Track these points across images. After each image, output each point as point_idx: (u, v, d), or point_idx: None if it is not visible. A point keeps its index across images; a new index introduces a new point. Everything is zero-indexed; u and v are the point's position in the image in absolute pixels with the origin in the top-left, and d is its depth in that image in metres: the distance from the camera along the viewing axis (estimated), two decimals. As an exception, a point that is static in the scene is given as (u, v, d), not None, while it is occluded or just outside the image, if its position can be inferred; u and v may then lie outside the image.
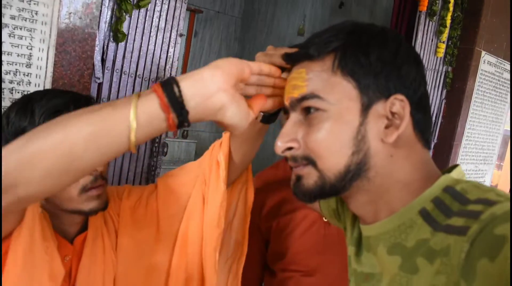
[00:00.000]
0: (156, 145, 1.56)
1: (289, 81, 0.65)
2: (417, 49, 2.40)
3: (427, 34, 2.46)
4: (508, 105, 3.13)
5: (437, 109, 2.69)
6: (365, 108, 0.60)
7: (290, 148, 0.63)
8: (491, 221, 0.47)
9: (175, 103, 0.56)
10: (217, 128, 5.76)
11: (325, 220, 1.08)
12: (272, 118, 0.82)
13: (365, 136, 0.60)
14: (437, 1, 2.45)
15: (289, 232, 1.11)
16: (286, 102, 0.66)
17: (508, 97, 3.12)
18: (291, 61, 0.67)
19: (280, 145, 0.63)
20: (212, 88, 0.59)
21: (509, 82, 3.08)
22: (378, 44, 0.61)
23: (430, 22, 2.47)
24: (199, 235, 0.97)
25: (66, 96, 0.87)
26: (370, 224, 0.65)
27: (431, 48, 2.51)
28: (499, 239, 0.45)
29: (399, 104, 0.60)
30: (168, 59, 1.54)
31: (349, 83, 0.60)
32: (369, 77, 0.60)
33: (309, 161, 0.61)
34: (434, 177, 0.62)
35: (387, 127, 0.61)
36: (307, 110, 0.62)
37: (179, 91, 0.57)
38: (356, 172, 0.60)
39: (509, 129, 3.27)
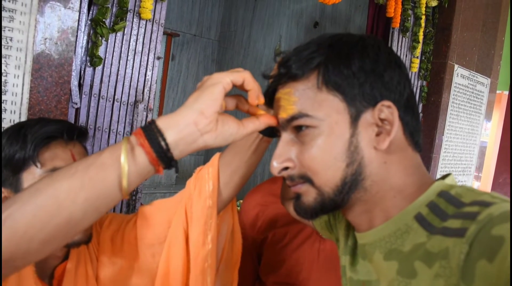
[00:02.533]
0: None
1: (276, 101, 0.66)
2: (392, 64, 2.44)
3: (401, 50, 2.52)
4: (482, 116, 3.21)
5: (414, 123, 2.73)
6: (354, 119, 0.60)
7: (286, 168, 0.64)
8: (488, 221, 0.48)
9: (164, 157, 0.59)
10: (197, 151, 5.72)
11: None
12: (274, 132, 0.79)
13: (357, 146, 0.60)
14: (409, 18, 2.51)
15: (284, 245, 1.11)
16: (277, 123, 0.67)
17: (483, 108, 3.19)
18: (274, 84, 0.67)
19: (276, 166, 0.64)
20: (197, 135, 0.61)
21: (482, 94, 3.16)
22: (359, 54, 0.61)
23: (403, 38, 2.53)
24: (182, 262, 0.91)
25: (59, 124, 0.86)
26: (365, 231, 0.66)
27: (405, 63, 2.56)
28: (497, 240, 0.45)
29: (387, 110, 0.61)
30: (146, 82, 1.53)
31: (335, 97, 0.60)
32: (354, 87, 0.60)
33: (306, 179, 0.62)
34: (428, 182, 0.63)
35: (378, 134, 0.61)
36: (298, 128, 0.63)
37: (166, 144, 0.59)
38: (352, 183, 0.61)
39: (484, 140, 3.34)
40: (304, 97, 0.61)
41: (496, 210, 0.49)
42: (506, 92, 4.77)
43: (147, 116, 1.54)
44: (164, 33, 4.62)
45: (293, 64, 0.62)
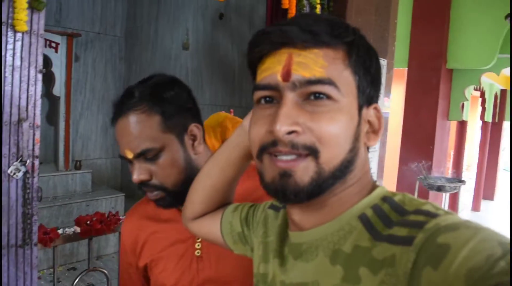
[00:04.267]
0: (28, 191, 1.45)
1: (294, 57, 0.58)
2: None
3: (299, 39, 2.58)
4: (382, 95, 3.39)
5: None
6: (359, 109, 0.60)
7: (290, 133, 0.56)
8: (436, 230, 0.49)
9: None
10: (113, 153, 5.54)
11: (198, 254, 1.04)
12: None
13: (359, 135, 0.61)
14: (305, 8, 2.58)
15: (163, 270, 1.06)
16: (284, 79, 0.58)
17: (382, 88, 3.37)
18: (287, 41, 0.58)
19: (283, 128, 0.55)
20: None
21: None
22: (374, 53, 0.63)
23: (301, 28, 2.59)
24: None
25: None
26: (307, 229, 0.64)
27: (305, 52, 2.63)
28: (442, 248, 0.46)
29: (377, 112, 0.63)
30: (29, 98, 1.44)
31: (354, 81, 0.59)
32: (367, 81, 0.61)
33: (311, 151, 0.56)
34: (369, 185, 0.64)
35: (367, 132, 0.63)
36: (314, 95, 0.57)
37: None
38: (345, 170, 0.59)
39: (387, 111, 3.54)
40: (333, 66, 0.58)
41: (443, 220, 0.50)
42: (405, 68, 5.10)
43: (34, 135, 1.45)
44: (63, 34, 4.38)
45: (323, 30, 0.58)
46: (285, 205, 0.76)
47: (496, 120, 9.22)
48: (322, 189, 0.58)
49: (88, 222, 1.88)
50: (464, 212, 8.51)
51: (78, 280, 1.90)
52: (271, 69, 0.59)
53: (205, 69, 4.35)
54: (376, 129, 0.63)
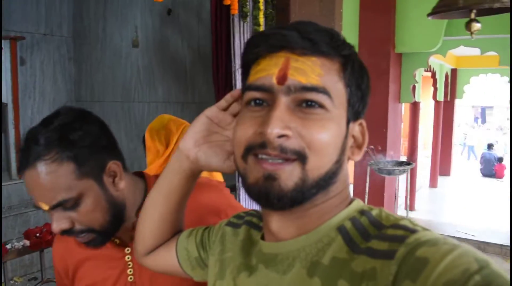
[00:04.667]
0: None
1: (292, 62, 0.58)
2: (237, 50, 2.52)
3: (244, 35, 2.61)
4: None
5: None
6: (348, 122, 0.61)
7: (281, 136, 0.56)
8: (416, 245, 0.50)
9: None
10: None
11: (131, 280, 1.03)
12: None
13: (345, 148, 0.61)
14: (247, 3, 2.60)
15: None
16: (279, 82, 0.58)
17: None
18: (287, 44, 0.59)
19: (275, 131, 0.55)
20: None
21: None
22: (366, 71, 0.64)
23: (244, 23, 2.62)
24: None
25: None
26: (283, 240, 0.63)
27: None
28: (421, 261, 0.48)
29: (362, 128, 0.64)
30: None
31: (345, 94, 0.60)
32: (357, 97, 0.62)
33: (300, 156, 0.56)
34: (348, 198, 0.65)
35: (351, 146, 0.63)
36: (307, 103, 0.57)
37: None
38: (328, 181, 0.59)
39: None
40: (328, 76, 0.58)
41: (423, 236, 0.51)
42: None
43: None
44: (5, 37, 4.23)
45: (322, 40, 0.59)
46: (247, 221, 0.77)
47: (448, 99, 9.55)
48: (305, 197, 0.57)
49: (38, 234, 1.86)
50: (422, 189, 8.83)
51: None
52: (267, 71, 0.59)
53: (156, 66, 4.31)
54: (360, 144, 0.64)
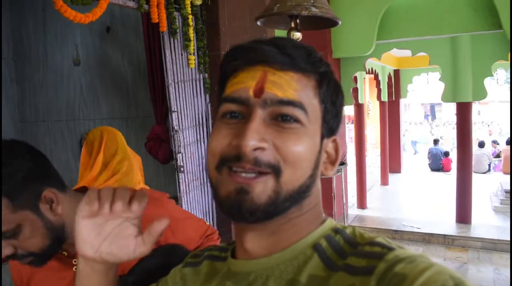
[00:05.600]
0: None
1: (269, 75, 0.59)
2: (168, 65, 2.64)
3: (175, 50, 2.72)
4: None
5: (205, 113, 3.01)
6: (322, 138, 0.62)
7: (256, 149, 0.56)
8: (395, 261, 0.51)
9: None
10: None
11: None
12: None
13: (319, 163, 0.62)
14: (176, 20, 2.72)
15: None
16: (256, 94, 0.58)
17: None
18: (266, 60, 0.60)
19: (252, 143, 0.55)
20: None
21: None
22: (341, 89, 0.66)
23: (175, 40, 2.74)
24: None
25: None
26: (257, 258, 0.63)
27: (182, 62, 2.78)
28: (399, 276, 0.49)
29: (335, 145, 0.66)
30: None
31: (320, 110, 0.61)
32: (332, 114, 0.63)
33: (274, 169, 0.56)
34: (321, 215, 0.66)
35: (324, 162, 0.65)
36: (283, 117, 0.58)
37: None
38: (301, 195, 0.60)
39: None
40: (304, 91, 0.59)
41: (402, 253, 0.52)
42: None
43: None
44: None
45: (300, 56, 0.60)
46: (207, 256, 0.75)
47: (393, 99, 9.96)
48: (278, 210, 0.58)
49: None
50: (375, 187, 9.15)
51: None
52: (244, 83, 0.59)
53: (99, 83, 4.36)
54: (333, 160, 0.66)
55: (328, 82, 0.62)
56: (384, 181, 9.40)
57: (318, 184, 0.64)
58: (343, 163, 4.22)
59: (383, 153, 9.38)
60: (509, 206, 6.35)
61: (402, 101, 10.90)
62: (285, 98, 0.58)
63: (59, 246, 1.03)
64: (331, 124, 0.64)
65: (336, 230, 0.62)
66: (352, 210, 7.18)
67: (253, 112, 0.58)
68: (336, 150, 0.66)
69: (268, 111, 0.58)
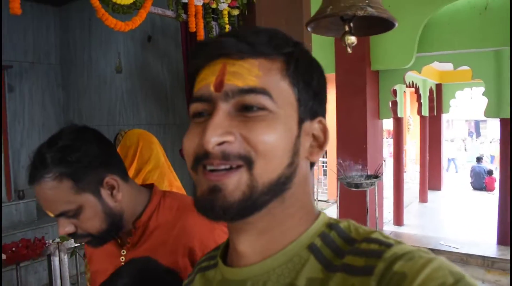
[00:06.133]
0: None
1: (228, 66, 0.56)
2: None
3: (211, 59, 2.76)
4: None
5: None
6: (300, 122, 0.58)
7: (221, 143, 0.54)
8: (394, 259, 0.50)
9: None
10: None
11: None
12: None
13: (298, 149, 0.58)
14: (213, 29, 2.77)
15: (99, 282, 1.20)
16: (216, 89, 0.56)
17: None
18: (222, 52, 0.57)
19: (213, 139, 0.53)
20: None
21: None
22: (318, 67, 0.62)
23: (211, 48, 2.78)
24: None
25: None
26: (251, 264, 0.60)
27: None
28: (398, 275, 0.48)
29: (322, 126, 0.62)
30: None
31: (293, 93, 0.58)
32: (308, 94, 0.59)
33: (246, 160, 0.53)
34: (313, 211, 0.62)
35: (311, 146, 0.61)
36: (247, 107, 0.55)
37: None
38: (281, 187, 0.56)
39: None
40: (268, 76, 0.56)
41: (399, 250, 0.51)
42: (333, 73, 5.42)
43: None
44: (-9, 67, 4.42)
45: (260, 41, 0.57)
46: (197, 270, 0.73)
47: (435, 113, 9.71)
48: (256, 205, 0.55)
49: (14, 248, 1.99)
50: (413, 204, 8.92)
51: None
52: (206, 80, 0.57)
53: (139, 90, 4.49)
54: (321, 142, 0.62)
55: (296, 62, 0.59)
56: (423, 198, 9.15)
57: (303, 173, 0.60)
58: (377, 176, 4.13)
59: (423, 169, 9.14)
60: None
61: (445, 117, 10.59)
62: (245, 86, 0.55)
63: (116, 232, 1.10)
64: (310, 106, 0.60)
65: (330, 226, 0.59)
66: (388, 226, 7.03)
67: (216, 107, 0.55)
68: (324, 131, 0.62)
69: (232, 103, 0.55)
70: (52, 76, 5.52)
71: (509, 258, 5.40)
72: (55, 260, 2.11)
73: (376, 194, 4.08)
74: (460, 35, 4.90)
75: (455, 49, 5.09)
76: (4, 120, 4.51)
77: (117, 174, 1.08)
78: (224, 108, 0.55)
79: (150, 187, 1.20)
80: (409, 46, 4.99)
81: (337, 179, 4.21)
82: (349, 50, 1.99)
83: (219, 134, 0.53)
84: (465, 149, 18.30)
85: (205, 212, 0.55)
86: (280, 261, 0.58)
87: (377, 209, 4.18)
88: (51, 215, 1.02)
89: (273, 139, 0.54)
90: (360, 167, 4.18)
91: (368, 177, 4.10)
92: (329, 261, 0.55)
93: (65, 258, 2.12)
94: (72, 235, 1.04)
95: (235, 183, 0.53)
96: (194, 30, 2.61)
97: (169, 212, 1.12)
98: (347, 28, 1.94)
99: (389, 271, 0.49)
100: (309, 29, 2.07)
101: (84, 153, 1.01)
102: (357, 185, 3.93)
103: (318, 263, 0.56)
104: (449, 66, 6.90)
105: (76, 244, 2.33)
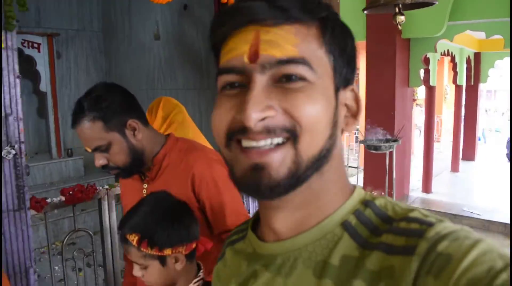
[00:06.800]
0: (18, 169, 1.90)
1: (262, 35, 0.51)
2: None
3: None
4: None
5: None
6: (336, 91, 0.55)
7: (263, 119, 0.50)
8: (437, 239, 0.46)
9: None
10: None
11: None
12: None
13: (337, 120, 0.55)
14: None
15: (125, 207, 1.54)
16: (251, 60, 0.51)
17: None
18: (253, 19, 0.52)
19: (256, 115, 0.49)
20: None
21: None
22: (350, 33, 0.58)
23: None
24: None
25: None
26: (284, 239, 0.58)
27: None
28: (443, 257, 0.45)
29: (355, 95, 0.59)
30: (11, 98, 1.88)
31: (328, 61, 0.54)
32: (343, 62, 0.56)
33: (292, 134, 0.50)
34: (347, 185, 0.59)
35: (346, 116, 0.58)
36: (286, 77, 0.51)
37: None
38: (322, 160, 0.53)
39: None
40: (305, 43, 0.52)
41: (442, 229, 0.48)
42: (364, 41, 5.49)
43: (18, 125, 1.89)
44: (43, 34, 4.79)
45: (293, 5, 0.52)
46: (227, 244, 0.72)
47: (472, 83, 9.54)
48: (299, 181, 0.52)
49: (71, 192, 2.34)
50: (444, 173, 8.95)
51: (67, 240, 2.38)
52: (237, 50, 0.52)
53: (176, 57, 4.76)
54: (355, 112, 0.58)
55: (332, 28, 0.54)
56: (455, 168, 9.13)
57: (339, 145, 0.57)
58: (396, 140, 4.27)
59: (455, 139, 9.10)
60: None
61: (486, 87, 10.33)
62: (284, 57, 0.50)
63: (139, 167, 1.37)
64: (344, 74, 0.56)
65: (365, 203, 0.56)
66: (416, 192, 7.15)
67: (252, 80, 0.51)
68: (357, 100, 0.58)
69: (269, 75, 0.51)
70: (95, 43, 5.86)
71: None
72: (105, 204, 2.45)
73: (394, 156, 4.24)
74: (493, 3, 4.86)
75: (487, 17, 5.06)
76: (53, 85, 4.91)
77: (138, 119, 1.33)
78: (261, 80, 0.51)
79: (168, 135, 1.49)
80: (441, 14, 4.98)
81: (359, 142, 4.37)
82: (399, 27, 2.52)
83: (260, 109, 0.49)
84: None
85: (250, 192, 0.53)
86: (313, 238, 0.56)
87: (394, 171, 4.33)
88: (89, 150, 1.29)
89: (316, 112, 0.51)
90: (386, 132, 4.33)
91: (387, 140, 4.24)
92: (365, 239, 0.53)
93: (113, 202, 2.46)
94: (105, 167, 1.31)
95: (280, 160, 0.50)
96: (225, 1, 2.80)
97: (179, 152, 1.39)
98: (397, 10, 2.39)
99: (432, 252, 0.46)
100: (365, 12, 2.49)
101: (112, 102, 1.28)
102: (376, 148, 4.08)
103: (352, 241, 0.53)
104: (483, 35, 6.80)
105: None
